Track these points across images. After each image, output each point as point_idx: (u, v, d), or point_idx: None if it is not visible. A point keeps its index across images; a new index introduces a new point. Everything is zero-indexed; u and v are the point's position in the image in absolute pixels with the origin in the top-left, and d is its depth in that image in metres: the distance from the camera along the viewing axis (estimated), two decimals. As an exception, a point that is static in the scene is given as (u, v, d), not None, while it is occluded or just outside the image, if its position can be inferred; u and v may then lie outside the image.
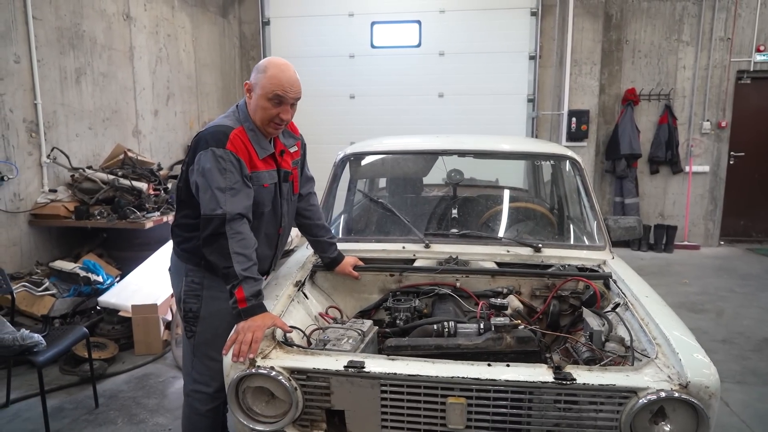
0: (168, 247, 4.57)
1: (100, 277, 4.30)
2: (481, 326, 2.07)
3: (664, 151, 7.50)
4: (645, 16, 7.44)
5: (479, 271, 2.55)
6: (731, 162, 7.65)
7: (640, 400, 1.61)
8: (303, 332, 2.04)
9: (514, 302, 2.38)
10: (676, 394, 1.61)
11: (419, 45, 7.66)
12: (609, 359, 1.87)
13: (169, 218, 4.68)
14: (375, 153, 3.42)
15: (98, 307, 4.17)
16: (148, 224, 4.47)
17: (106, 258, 4.81)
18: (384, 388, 1.74)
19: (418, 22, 7.61)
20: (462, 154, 3.19)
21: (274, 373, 1.77)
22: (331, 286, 2.62)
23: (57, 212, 4.42)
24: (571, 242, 3.05)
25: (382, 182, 4.13)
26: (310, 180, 2.53)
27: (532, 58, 7.50)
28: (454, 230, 2.93)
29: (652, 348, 1.84)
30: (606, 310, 2.26)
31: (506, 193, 3.65)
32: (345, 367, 1.75)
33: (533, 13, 7.41)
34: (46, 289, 4.05)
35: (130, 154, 5.13)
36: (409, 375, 1.71)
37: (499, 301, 2.20)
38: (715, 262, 6.90)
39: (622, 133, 7.42)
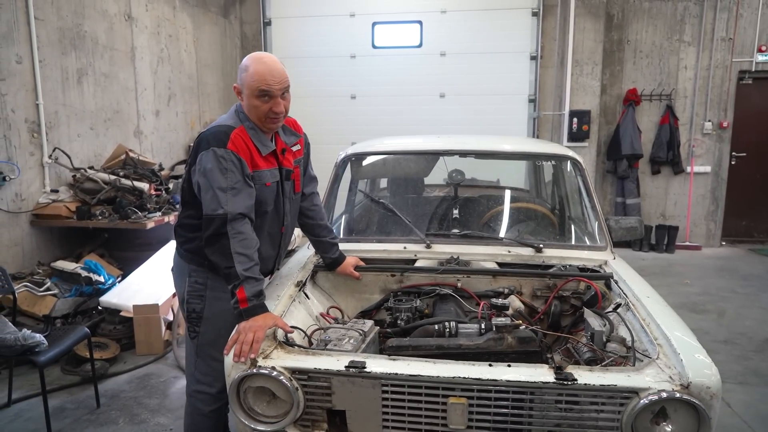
0: (169, 248, 4.59)
1: (102, 277, 4.31)
2: (483, 326, 2.07)
3: (666, 151, 7.49)
4: (646, 16, 7.44)
5: (480, 272, 2.55)
6: (733, 162, 7.64)
7: (642, 401, 1.61)
8: (304, 332, 2.04)
9: (515, 302, 2.38)
10: (678, 395, 1.61)
11: (420, 45, 7.66)
12: (610, 360, 1.87)
13: (171, 218, 4.68)
14: (376, 153, 3.42)
15: (100, 307, 4.18)
16: (150, 224, 4.48)
17: (108, 258, 4.82)
18: (385, 388, 1.74)
19: (420, 22, 7.61)
20: (463, 154, 3.19)
21: (275, 373, 1.77)
22: (333, 287, 2.62)
23: (59, 212, 4.43)
24: (573, 242, 3.05)
25: (384, 182, 4.13)
26: (313, 180, 2.53)
27: (533, 58, 7.50)
28: (455, 230, 2.93)
29: (653, 348, 1.83)
30: (607, 310, 2.26)
31: (507, 194, 3.64)
32: (346, 367, 1.75)
33: (534, 14, 7.41)
34: (48, 289, 4.05)
35: (131, 154, 5.14)
36: (410, 375, 1.71)
37: (500, 301, 2.20)
38: (717, 263, 6.90)
39: (623, 134, 7.41)
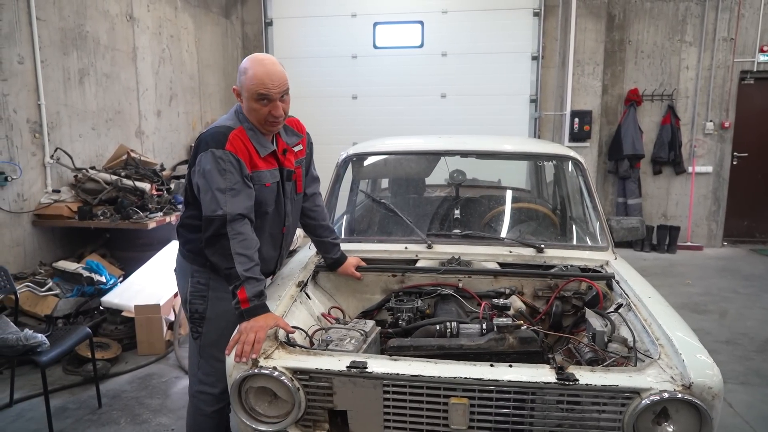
0: (171, 248, 4.60)
1: (103, 277, 4.31)
2: (484, 327, 2.07)
3: (667, 151, 7.49)
4: (648, 16, 7.43)
5: (482, 272, 2.55)
6: (734, 162, 7.63)
7: (643, 401, 1.61)
8: (305, 332, 2.04)
9: (516, 303, 2.38)
10: (679, 395, 1.60)
11: (422, 45, 7.66)
12: (612, 360, 1.87)
13: (172, 218, 4.69)
14: (377, 153, 3.42)
15: (101, 308, 4.18)
16: (151, 224, 4.48)
17: (109, 258, 4.82)
18: (386, 388, 1.74)
19: (421, 22, 7.61)
20: (464, 154, 3.19)
21: (276, 373, 1.77)
22: (334, 287, 2.62)
23: (60, 212, 4.44)
24: (574, 243, 3.05)
25: (385, 183, 4.13)
26: (315, 180, 2.52)
27: (534, 58, 7.50)
28: (456, 231, 2.93)
29: (655, 349, 1.83)
30: (609, 310, 2.26)
31: (509, 194, 3.64)
32: (347, 367, 1.75)
33: (536, 14, 7.40)
34: (50, 290, 4.06)
35: (133, 154, 5.14)
36: (411, 375, 1.71)
37: (501, 301, 2.20)
38: (719, 263, 6.89)
39: (624, 134, 7.41)
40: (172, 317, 4.17)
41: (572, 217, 3.28)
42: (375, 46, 7.73)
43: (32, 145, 4.42)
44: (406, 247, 2.75)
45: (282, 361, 1.81)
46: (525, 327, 2.04)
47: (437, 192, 3.72)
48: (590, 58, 7.36)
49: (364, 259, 2.62)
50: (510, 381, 1.68)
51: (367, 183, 3.87)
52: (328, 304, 2.49)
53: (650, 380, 1.65)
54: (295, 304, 2.23)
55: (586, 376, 1.67)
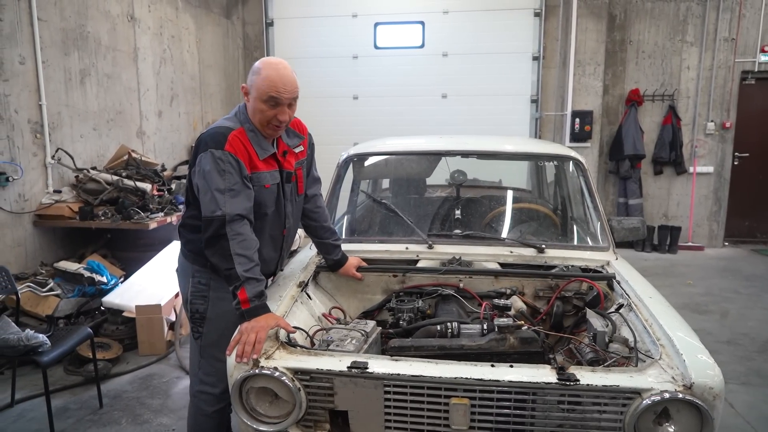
0: (171, 248, 4.60)
1: (105, 277, 4.31)
2: (485, 327, 2.07)
3: (668, 151, 7.48)
4: (649, 16, 7.43)
5: (482, 272, 2.55)
6: (735, 163, 7.63)
7: (644, 401, 1.61)
8: (306, 333, 2.04)
9: (517, 303, 2.38)
10: (680, 395, 1.60)
11: (422, 46, 7.66)
12: (613, 360, 1.87)
13: (173, 219, 4.69)
14: (378, 154, 3.42)
15: (102, 308, 4.19)
16: (152, 225, 4.48)
17: (110, 258, 4.83)
18: (387, 388, 1.74)
19: (422, 23, 7.61)
20: (465, 154, 3.19)
21: (277, 373, 1.77)
22: (335, 287, 2.62)
23: (61, 213, 4.44)
24: (575, 243, 3.05)
25: (386, 183, 4.13)
26: (316, 181, 2.52)
27: (535, 58, 7.50)
28: (457, 231, 2.93)
29: (656, 349, 1.83)
30: (610, 311, 2.26)
31: (509, 194, 3.64)
32: (348, 367, 1.75)
33: (537, 14, 7.41)
34: (51, 290, 4.06)
35: (134, 154, 5.15)
36: (412, 376, 1.71)
37: (502, 301, 2.20)
38: (720, 263, 6.88)
39: (625, 134, 7.40)
40: (173, 317, 4.18)
41: (573, 218, 3.28)
42: (376, 47, 7.74)
43: (33, 145, 4.43)
44: (407, 248, 2.75)
45: (283, 361, 1.82)
46: (526, 327, 2.04)
47: (438, 192, 3.71)
48: (591, 58, 7.36)
49: (365, 260, 2.62)
50: (511, 381, 1.68)
51: (368, 183, 3.87)
52: (329, 305, 2.49)
53: (651, 380, 1.65)
54: (296, 304, 2.23)
55: (587, 377, 1.67)
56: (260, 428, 1.83)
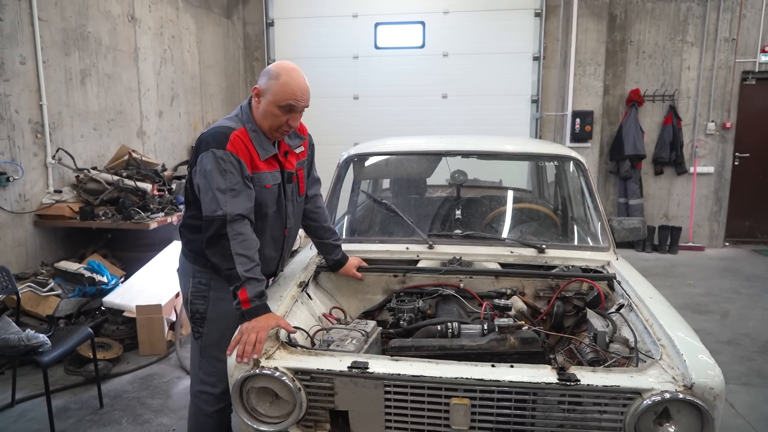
0: (172, 248, 4.60)
1: (105, 277, 4.32)
2: (485, 327, 2.07)
3: (669, 152, 7.48)
4: (649, 16, 7.42)
5: (483, 272, 2.55)
6: (736, 163, 7.62)
7: (645, 402, 1.61)
8: (307, 333, 2.05)
9: (517, 303, 2.38)
10: (681, 396, 1.60)
11: (423, 46, 7.66)
12: (613, 360, 1.87)
13: (173, 219, 4.69)
14: (379, 154, 3.42)
15: (103, 308, 4.19)
16: (153, 225, 4.48)
17: (111, 258, 4.83)
18: (388, 388, 1.74)
19: (422, 23, 7.61)
20: (466, 155, 3.19)
21: (278, 373, 1.77)
22: (335, 287, 2.62)
23: (62, 213, 4.44)
24: (575, 243, 3.05)
25: (386, 183, 4.13)
26: (316, 181, 2.53)
27: (536, 59, 7.50)
28: (457, 231, 2.93)
29: (656, 349, 1.83)
30: (610, 311, 2.26)
31: (510, 194, 3.64)
32: (349, 367, 1.75)
33: (537, 14, 7.41)
34: (51, 290, 4.06)
35: (134, 154, 5.15)
36: (412, 376, 1.71)
37: (502, 302, 2.20)
38: (720, 264, 6.88)
39: (626, 134, 7.41)
40: (173, 317, 4.18)
41: (573, 218, 3.28)
42: (376, 47, 7.74)
43: (34, 145, 4.43)
44: (407, 248, 2.75)
45: (283, 361, 1.82)
46: (526, 327, 2.04)
47: (438, 192, 3.71)
48: (591, 58, 7.36)
49: (365, 260, 2.62)
50: (511, 381, 1.68)
51: (368, 183, 3.87)
52: (330, 305, 2.49)
53: (652, 381, 1.65)
54: (296, 304, 2.23)
55: (588, 377, 1.67)
56: (261, 428, 1.83)
